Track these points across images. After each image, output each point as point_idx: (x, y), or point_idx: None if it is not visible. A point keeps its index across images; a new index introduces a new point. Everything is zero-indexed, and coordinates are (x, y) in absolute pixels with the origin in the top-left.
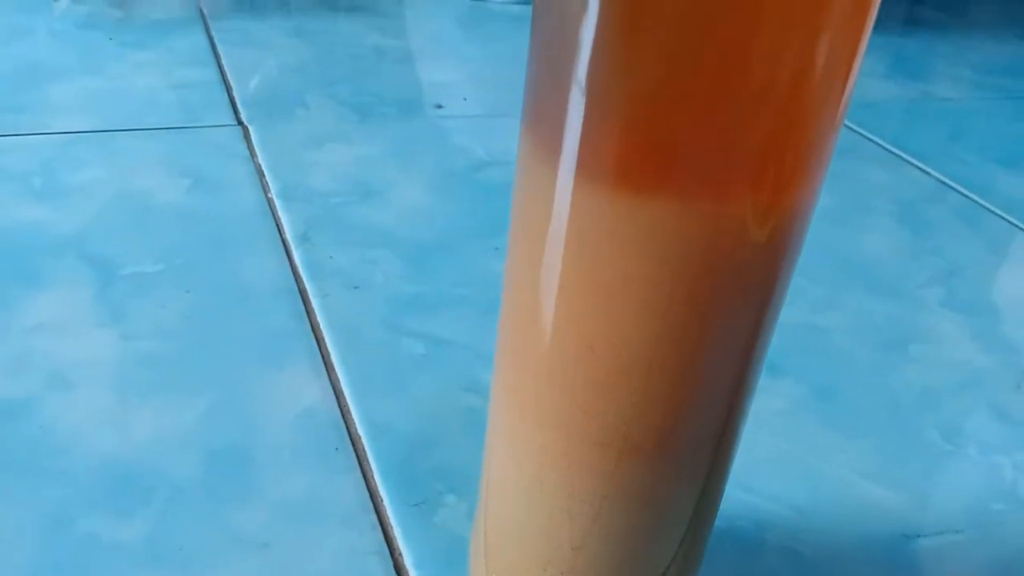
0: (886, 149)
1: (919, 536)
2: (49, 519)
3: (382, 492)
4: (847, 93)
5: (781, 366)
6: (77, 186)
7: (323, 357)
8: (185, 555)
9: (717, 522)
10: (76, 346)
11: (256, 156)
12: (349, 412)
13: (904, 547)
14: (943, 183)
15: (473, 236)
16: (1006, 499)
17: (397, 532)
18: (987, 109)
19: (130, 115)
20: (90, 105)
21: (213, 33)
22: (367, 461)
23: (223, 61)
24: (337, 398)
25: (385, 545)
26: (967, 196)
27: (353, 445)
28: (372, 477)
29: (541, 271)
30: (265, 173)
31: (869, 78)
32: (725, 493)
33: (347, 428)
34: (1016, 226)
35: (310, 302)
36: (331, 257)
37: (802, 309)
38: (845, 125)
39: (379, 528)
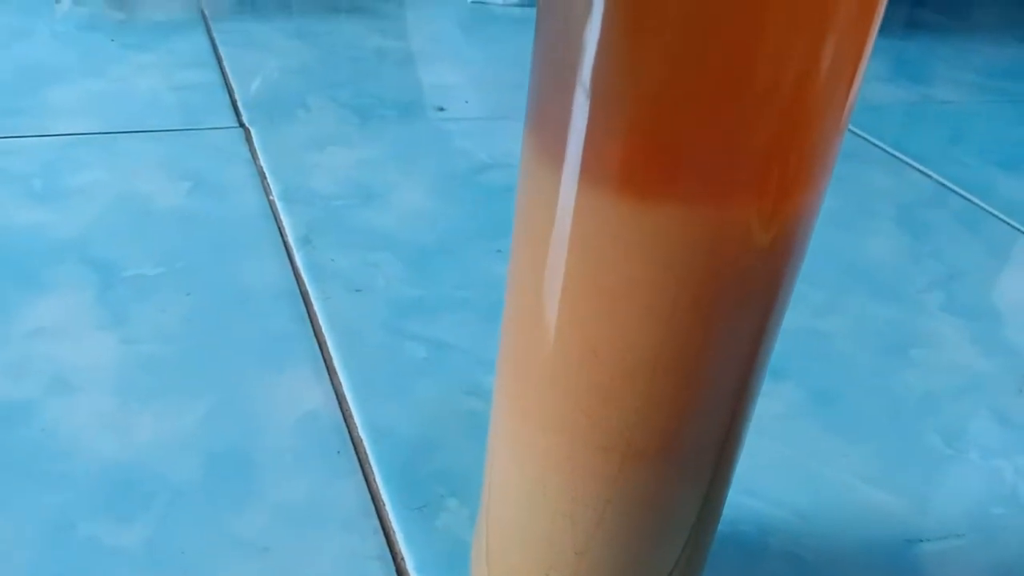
0: (887, 152)
1: (921, 540)
2: (50, 523)
3: (384, 496)
4: (852, 97)
5: (782, 370)
6: (78, 188)
7: (324, 360)
8: (186, 559)
9: (719, 526)
10: (77, 350)
11: (258, 158)
12: (351, 415)
13: (906, 551)
14: (944, 186)
15: (474, 239)
16: (1007, 503)
17: (399, 536)
18: (988, 112)
19: (131, 117)
20: (91, 107)
21: (215, 35)
22: (369, 465)
23: (224, 63)
24: (339, 401)
25: (387, 549)
26: (968, 199)
27: (355, 449)
28: (374, 481)
29: (545, 275)
30: (267, 175)
31: (870, 81)
32: (727, 497)
33: (349, 431)
34: (1017, 229)
35: (312, 305)
36: (332, 260)
37: (803, 313)
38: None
39: (381, 532)
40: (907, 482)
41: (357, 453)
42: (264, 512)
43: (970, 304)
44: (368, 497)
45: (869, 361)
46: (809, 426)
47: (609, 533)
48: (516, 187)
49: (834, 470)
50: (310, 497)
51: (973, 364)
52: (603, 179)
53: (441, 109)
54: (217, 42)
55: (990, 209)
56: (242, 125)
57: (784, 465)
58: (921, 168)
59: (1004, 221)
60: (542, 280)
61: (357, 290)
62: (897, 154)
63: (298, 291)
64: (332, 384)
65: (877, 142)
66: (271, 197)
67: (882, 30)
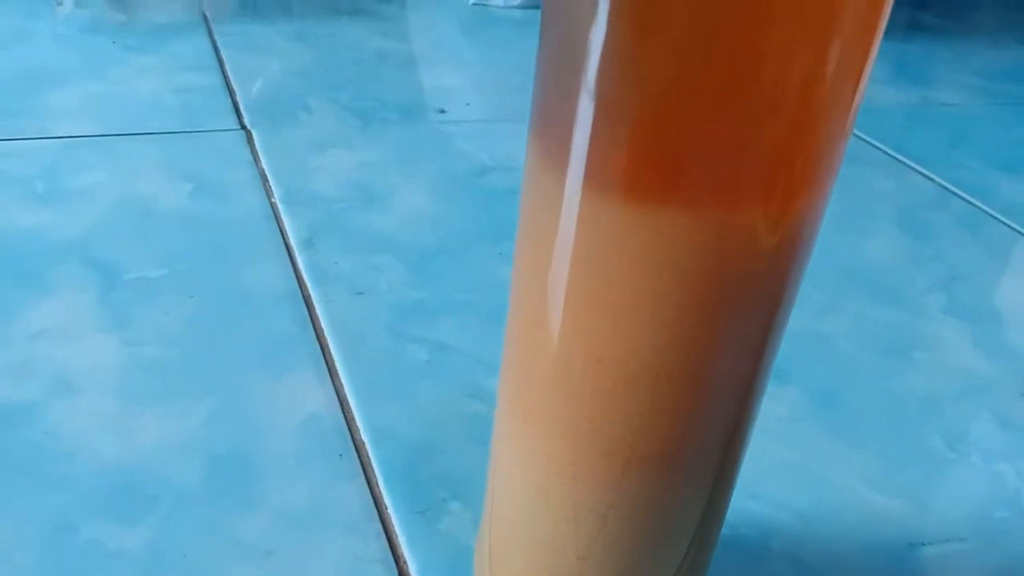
0: (888, 154)
1: (923, 544)
2: (52, 526)
3: (386, 499)
4: (857, 100)
5: (784, 373)
6: (80, 191)
7: (327, 363)
8: (188, 562)
9: (723, 530)
10: (79, 352)
11: (259, 161)
12: (353, 418)
13: (908, 555)
14: (945, 188)
15: (476, 241)
16: (1010, 507)
17: (401, 540)
18: (989, 114)
19: (133, 119)
20: (93, 109)
21: (216, 37)
22: (371, 468)
23: (226, 65)
24: (341, 404)
25: (389, 553)
26: (969, 202)
27: (357, 452)
28: (376, 484)
29: (549, 281)
30: (268, 178)
31: (871, 83)
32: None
33: (351, 434)
34: (1018, 232)
35: (314, 308)
36: (335, 263)
37: (805, 315)
38: None
39: (383, 536)
40: (909, 485)
41: (359, 456)
42: (266, 515)
43: (972, 307)
44: (370, 500)
45: (871, 364)
46: (811, 429)
47: (612, 538)
48: (518, 190)
49: (836, 473)
50: (312, 500)
51: (975, 367)
52: (608, 184)
53: (442, 111)
54: (218, 44)
55: (991, 212)
56: (244, 127)
57: (786, 468)
58: (922, 170)
59: (1005, 224)
60: (546, 285)
61: (359, 293)
62: (898, 156)
63: (300, 294)
64: (334, 387)
65: (878, 144)
66: (273, 199)
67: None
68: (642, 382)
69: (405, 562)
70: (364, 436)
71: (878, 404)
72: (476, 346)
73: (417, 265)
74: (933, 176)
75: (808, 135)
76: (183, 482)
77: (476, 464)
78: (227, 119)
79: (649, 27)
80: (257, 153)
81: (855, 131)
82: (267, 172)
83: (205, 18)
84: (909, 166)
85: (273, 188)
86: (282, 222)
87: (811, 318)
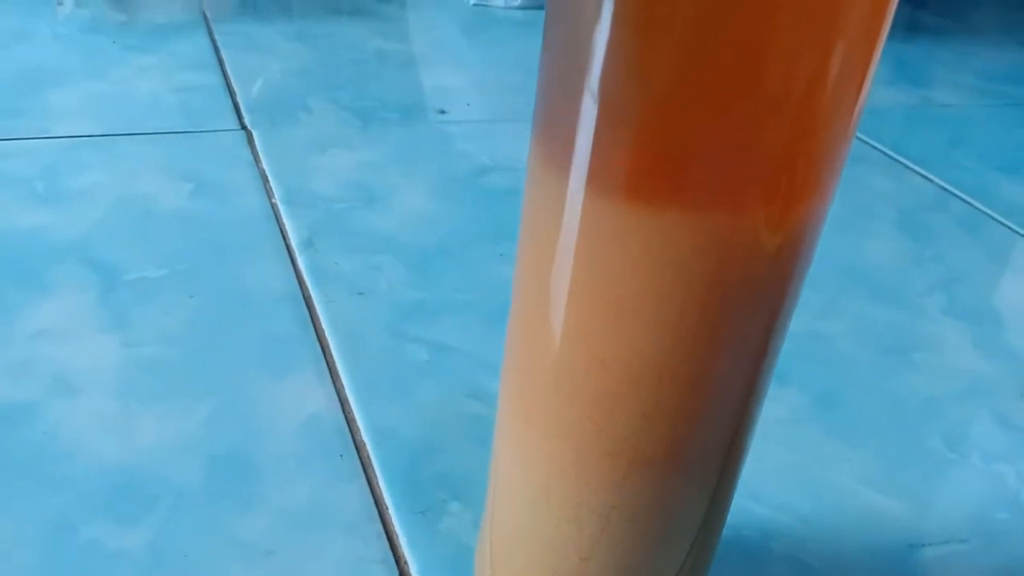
0: (887, 155)
1: (923, 545)
2: (52, 526)
3: (387, 499)
4: (860, 102)
5: (784, 374)
6: (80, 191)
7: (327, 363)
8: (188, 563)
9: (723, 531)
10: (79, 352)
11: (260, 161)
12: (354, 419)
13: (908, 556)
14: (944, 189)
15: (477, 241)
16: (1010, 508)
17: (402, 540)
18: (988, 115)
19: (133, 119)
20: (93, 109)
21: (216, 37)
22: (372, 468)
23: (226, 65)
24: (341, 404)
25: (390, 553)
26: (968, 203)
27: (358, 452)
28: (377, 484)
29: (551, 282)
30: (269, 178)
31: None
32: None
33: (352, 435)
34: (1017, 233)
35: (314, 308)
36: (335, 263)
37: (804, 316)
38: None
39: (384, 536)
40: (909, 486)
41: (360, 456)
42: (267, 516)
43: (971, 307)
44: (371, 501)
45: (870, 364)
46: (811, 430)
47: (614, 539)
48: (518, 190)
49: (837, 474)
50: (313, 501)
51: (975, 368)
52: (611, 186)
53: (442, 112)
54: (219, 44)
55: (991, 213)
56: (244, 127)
57: (787, 469)
58: (921, 171)
59: (1005, 225)
60: (549, 286)
61: (359, 293)
62: (897, 157)
63: (300, 294)
64: (335, 387)
65: (877, 145)
66: (273, 200)
67: None
68: (645, 383)
69: (406, 562)
70: (365, 436)
71: (878, 405)
72: (476, 346)
73: (417, 265)
74: (932, 177)
75: (811, 138)
76: (183, 482)
77: (477, 464)
78: (227, 119)
79: (654, 29)
80: (257, 153)
81: None
82: (267, 172)
83: (205, 18)
84: (908, 167)
85: (273, 188)
86: (282, 222)
87: (811, 318)
